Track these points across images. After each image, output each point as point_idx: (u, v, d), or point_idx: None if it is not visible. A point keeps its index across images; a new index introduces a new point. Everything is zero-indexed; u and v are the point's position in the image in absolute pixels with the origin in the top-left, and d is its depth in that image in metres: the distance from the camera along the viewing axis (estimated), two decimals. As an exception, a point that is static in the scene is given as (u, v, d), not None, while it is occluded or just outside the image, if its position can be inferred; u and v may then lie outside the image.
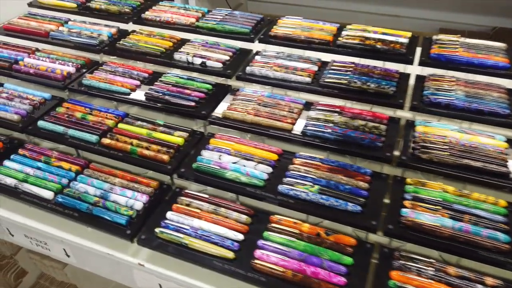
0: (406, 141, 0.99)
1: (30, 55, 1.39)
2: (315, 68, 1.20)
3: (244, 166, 0.98)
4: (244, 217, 0.90)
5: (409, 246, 0.85)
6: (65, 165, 1.04)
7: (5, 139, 1.14)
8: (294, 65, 1.21)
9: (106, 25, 1.47)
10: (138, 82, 1.23)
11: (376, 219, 0.85)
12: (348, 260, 0.81)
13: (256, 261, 0.82)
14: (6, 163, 1.06)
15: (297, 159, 0.99)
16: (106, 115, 1.15)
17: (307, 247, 0.83)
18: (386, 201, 0.90)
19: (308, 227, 0.87)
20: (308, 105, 1.12)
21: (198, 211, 0.92)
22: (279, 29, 1.33)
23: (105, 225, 0.91)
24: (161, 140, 1.06)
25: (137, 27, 1.46)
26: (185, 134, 1.08)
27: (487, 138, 0.97)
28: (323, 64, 1.23)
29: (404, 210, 0.85)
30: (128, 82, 1.23)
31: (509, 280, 0.76)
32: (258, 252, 0.83)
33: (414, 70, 1.19)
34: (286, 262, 0.81)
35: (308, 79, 1.16)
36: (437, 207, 0.85)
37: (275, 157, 1.00)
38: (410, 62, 1.17)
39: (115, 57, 1.38)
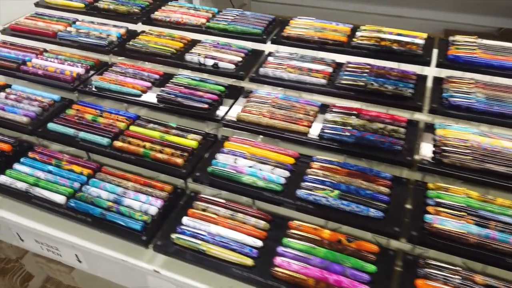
0: (427, 145, 0.97)
1: (38, 55, 1.36)
2: (330, 69, 1.18)
3: (261, 170, 0.95)
4: (262, 223, 0.88)
5: (430, 253, 0.82)
6: (77, 168, 1.02)
7: (14, 141, 1.12)
8: (308, 67, 1.18)
9: (114, 26, 1.45)
10: (149, 84, 1.21)
11: (399, 225, 0.82)
12: (372, 268, 0.78)
13: (276, 268, 0.79)
14: (16, 166, 1.04)
15: (315, 163, 0.97)
16: (117, 117, 1.13)
17: (329, 254, 0.81)
18: (407, 206, 0.88)
19: (329, 234, 0.84)
20: (323, 108, 1.10)
21: (215, 216, 0.90)
22: (291, 30, 1.31)
23: (119, 231, 0.89)
24: (175, 143, 1.04)
25: (146, 28, 1.44)
26: (198, 137, 1.06)
27: (510, 142, 0.95)
28: (338, 66, 1.20)
29: (427, 216, 0.83)
30: (139, 84, 1.21)
31: (538, 289, 0.74)
32: (278, 259, 0.81)
33: (430, 71, 1.16)
34: (307, 269, 0.78)
35: (324, 81, 1.13)
36: (461, 213, 0.83)
37: (291, 160, 0.98)
38: (427, 63, 1.14)
39: (122, 57, 1.35)
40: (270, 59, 1.24)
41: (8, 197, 0.99)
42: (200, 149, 1.04)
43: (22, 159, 1.05)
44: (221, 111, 1.11)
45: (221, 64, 1.23)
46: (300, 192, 0.89)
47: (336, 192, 0.88)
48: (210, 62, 1.24)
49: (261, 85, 1.20)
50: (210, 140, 1.06)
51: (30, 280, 1.67)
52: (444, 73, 1.15)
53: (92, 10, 1.53)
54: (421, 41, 1.21)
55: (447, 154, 0.93)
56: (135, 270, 0.90)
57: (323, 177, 0.92)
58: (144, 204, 0.92)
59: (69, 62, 1.31)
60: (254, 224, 0.88)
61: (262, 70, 1.19)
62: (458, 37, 1.22)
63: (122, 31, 1.42)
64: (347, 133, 0.99)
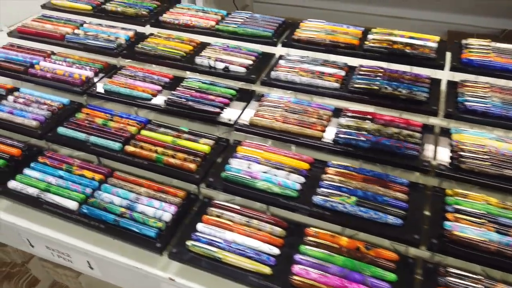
0: (443, 149, 0.96)
1: (46, 58, 1.35)
2: (343, 73, 1.16)
3: (275, 175, 0.94)
4: (278, 230, 0.86)
5: (449, 261, 0.81)
6: (88, 173, 1.01)
7: (24, 146, 1.10)
8: (321, 70, 1.17)
9: (122, 28, 1.44)
10: (159, 87, 1.20)
11: (418, 233, 0.81)
12: (392, 276, 0.77)
13: (294, 277, 0.78)
14: (26, 171, 1.02)
15: (330, 168, 0.96)
16: (128, 121, 1.12)
17: (347, 262, 0.79)
18: (425, 212, 0.87)
19: (347, 241, 0.83)
20: (336, 112, 1.09)
21: (230, 223, 0.88)
22: (302, 33, 1.30)
23: (133, 238, 0.88)
24: (187, 147, 1.02)
25: (154, 30, 1.43)
26: (210, 142, 1.04)
27: (528, 147, 0.94)
28: (350, 69, 1.19)
29: (447, 223, 0.82)
30: (149, 87, 1.19)
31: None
32: (296, 268, 0.79)
33: (443, 75, 1.15)
34: (326, 278, 0.77)
35: (337, 85, 1.12)
36: (481, 220, 0.82)
37: (306, 166, 0.97)
38: (441, 67, 1.13)
39: (129, 60, 1.34)
40: (281, 62, 1.23)
41: (19, 202, 0.97)
42: (212, 154, 1.02)
43: (32, 164, 1.04)
44: (231, 115, 1.10)
45: (232, 68, 1.21)
46: (317, 199, 0.88)
47: (353, 198, 0.87)
48: (220, 65, 1.22)
49: (271, 88, 1.18)
50: (222, 145, 1.05)
51: (36, 284, 1.66)
52: (457, 76, 1.14)
53: (99, 12, 1.52)
54: (434, 44, 1.20)
55: (464, 159, 0.91)
56: (149, 277, 0.89)
57: (339, 183, 0.91)
58: (158, 210, 0.91)
59: (77, 65, 1.30)
60: (269, 231, 0.87)
61: (273, 74, 1.18)
62: (471, 40, 1.21)
63: (131, 33, 1.40)
64: (362, 138, 0.98)
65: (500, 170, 0.89)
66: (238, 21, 1.39)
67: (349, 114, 1.07)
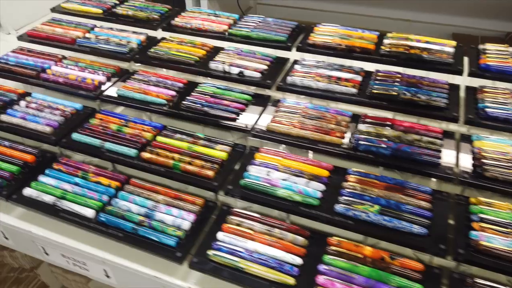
0: (464, 157, 0.95)
1: (57, 63, 1.34)
2: (359, 78, 1.15)
3: (295, 183, 0.93)
4: (300, 239, 0.85)
5: (473, 270, 0.80)
6: (104, 180, 0.99)
7: (37, 152, 1.09)
8: (337, 75, 1.16)
9: (134, 32, 1.42)
10: (173, 93, 1.18)
11: (444, 243, 0.80)
12: (418, 287, 0.76)
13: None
14: (41, 178, 1.01)
15: (350, 175, 0.94)
16: (143, 127, 1.10)
17: (373, 272, 0.78)
18: (450, 221, 0.85)
19: (371, 251, 0.82)
20: (354, 118, 1.07)
21: (251, 232, 0.87)
22: (317, 37, 1.29)
23: (152, 247, 0.86)
24: (204, 154, 1.01)
25: (166, 34, 1.41)
26: (227, 148, 1.03)
27: (551, 155, 0.93)
28: (366, 74, 1.18)
29: (473, 232, 0.80)
30: (163, 93, 1.18)
31: None
32: (320, 278, 0.78)
33: (461, 81, 1.14)
34: (352, 289, 0.76)
35: (354, 90, 1.11)
36: (507, 229, 0.80)
37: (326, 173, 0.95)
38: (459, 72, 1.12)
39: (139, 64, 1.32)
40: (297, 67, 1.21)
41: (35, 210, 0.96)
42: (229, 160, 1.01)
43: (47, 171, 1.03)
44: (247, 121, 1.08)
45: (247, 72, 1.20)
46: (339, 207, 0.86)
47: (377, 207, 0.85)
48: (235, 70, 1.21)
49: (286, 93, 1.17)
50: (238, 151, 1.04)
51: (44, 290, 1.64)
52: (474, 82, 1.13)
53: (110, 16, 1.51)
54: (451, 49, 1.19)
55: (487, 167, 0.90)
56: (167, 287, 0.88)
57: (361, 191, 0.90)
58: (177, 218, 0.89)
59: (89, 69, 1.29)
60: (291, 240, 0.85)
61: (289, 79, 1.17)
62: (488, 46, 1.20)
63: (142, 37, 1.39)
64: (383, 145, 0.96)
65: (524, 178, 0.87)
66: (250, 25, 1.37)
67: (368, 120, 1.05)
